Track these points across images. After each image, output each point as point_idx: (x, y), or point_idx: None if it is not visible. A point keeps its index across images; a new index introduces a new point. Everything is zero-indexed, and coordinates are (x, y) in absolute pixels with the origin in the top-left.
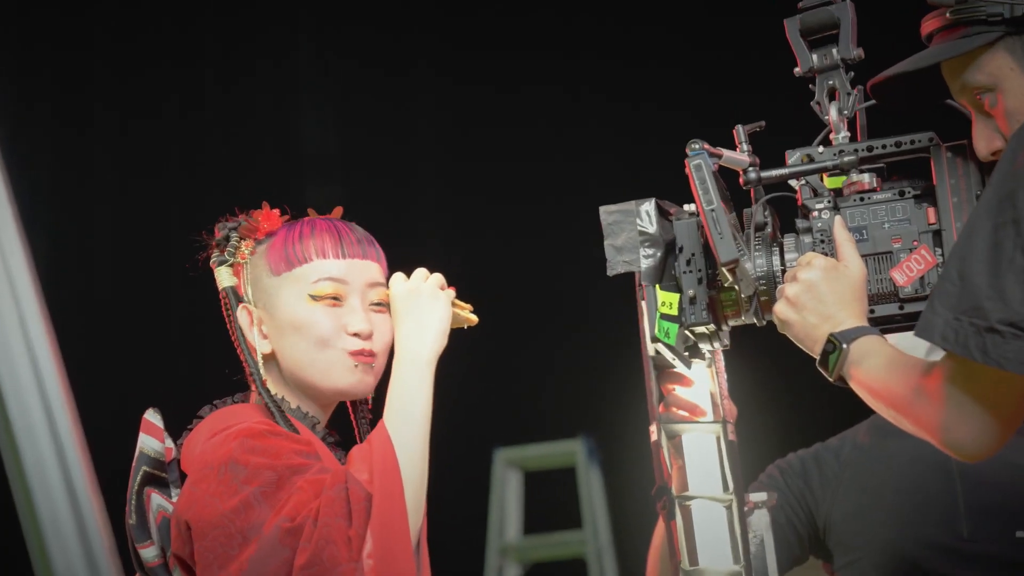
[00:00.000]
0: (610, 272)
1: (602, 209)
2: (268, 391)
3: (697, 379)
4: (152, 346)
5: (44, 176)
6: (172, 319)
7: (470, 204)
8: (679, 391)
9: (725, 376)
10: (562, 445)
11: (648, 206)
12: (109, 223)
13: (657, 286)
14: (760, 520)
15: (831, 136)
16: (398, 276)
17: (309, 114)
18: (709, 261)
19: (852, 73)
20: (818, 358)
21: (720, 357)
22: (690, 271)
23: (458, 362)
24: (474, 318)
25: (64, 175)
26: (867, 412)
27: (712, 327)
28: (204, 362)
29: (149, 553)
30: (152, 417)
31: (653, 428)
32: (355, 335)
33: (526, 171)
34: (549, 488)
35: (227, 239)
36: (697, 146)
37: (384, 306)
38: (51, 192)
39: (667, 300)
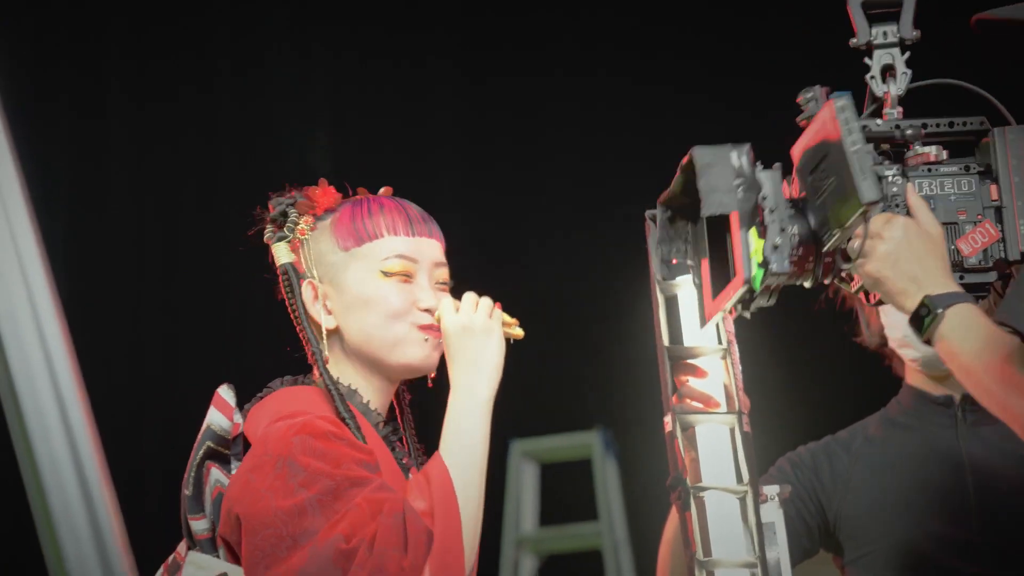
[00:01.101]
0: (704, 212)
1: (696, 149)
2: (329, 373)
3: (711, 370)
4: (168, 338)
5: (59, 169)
6: (189, 311)
7: (484, 197)
8: (693, 382)
9: (740, 367)
10: (578, 437)
11: (743, 150)
12: (124, 215)
13: (753, 230)
14: (772, 512)
15: (884, 111)
16: (447, 306)
17: (326, 99)
18: (789, 215)
19: (908, 53)
20: (909, 317)
21: (735, 349)
22: (774, 221)
23: None
24: (520, 332)
25: (80, 167)
26: (879, 404)
27: (784, 278)
28: (222, 353)
29: (200, 526)
30: (225, 394)
31: (668, 419)
32: (426, 311)
33: (537, 163)
34: (565, 480)
35: (285, 215)
36: (812, 94)
37: (446, 285)
38: (66, 184)
39: (756, 247)
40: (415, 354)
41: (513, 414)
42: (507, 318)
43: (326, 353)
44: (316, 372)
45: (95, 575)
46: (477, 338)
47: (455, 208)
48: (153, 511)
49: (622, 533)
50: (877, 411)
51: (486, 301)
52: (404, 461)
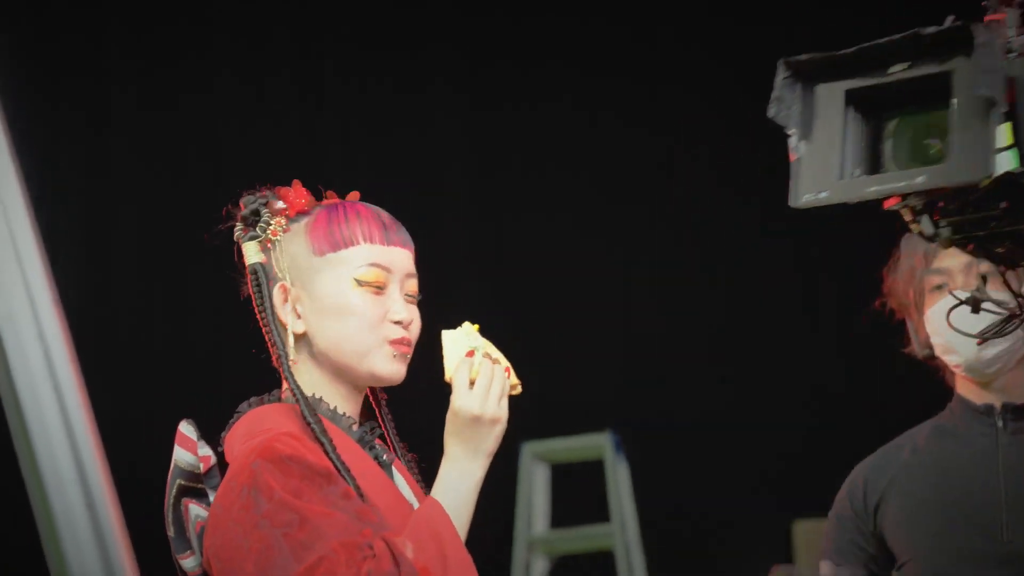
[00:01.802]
0: (978, 91)
1: (976, 25)
2: (293, 377)
3: None
4: (171, 339)
5: (61, 169)
6: (192, 312)
7: (496, 196)
8: None
9: None
10: (589, 438)
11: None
12: (126, 216)
13: (1008, 124)
14: None
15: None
16: (462, 381)
17: (329, 107)
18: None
19: None
20: None
21: None
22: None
23: None
24: (519, 390)
25: (82, 168)
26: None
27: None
28: (224, 364)
29: (190, 563)
30: (186, 429)
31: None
32: (398, 323)
33: (553, 162)
34: (576, 481)
35: (257, 214)
36: None
37: (415, 298)
38: (67, 185)
39: (1006, 141)
40: (383, 367)
41: (524, 416)
42: (514, 380)
43: (292, 357)
44: (283, 384)
45: None
46: (484, 427)
47: (467, 209)
48: (156, 514)
49: (634, 534)
50: (933, 416)
51: (499, 379)
52: (385, 458)
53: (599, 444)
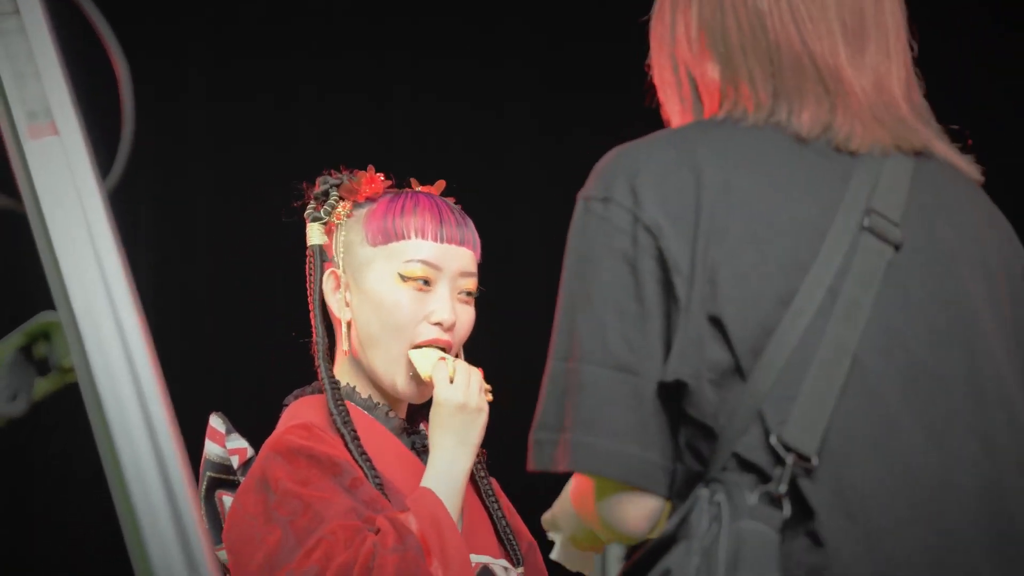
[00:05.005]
0: None
1: None
2: (327, 364)
3: None
4: (250, 337)
5: (137, 164)
6: (272, 313)
7: (569, 197)
8: None
9: None
10: None
11: None
12: (205, 208)
13: None
14: None
15: None
16: (442, 377)
17: (405, 97)
18: None
19: None
20: None
21: None
22: None
23: None
24: (490, 397)
25: (159, 161)
26: None
27: None
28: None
29: (224, 555)
30: (215, 422)
31: None
32: (437, 324)
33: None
34: None
35: (326, 195)
36: None
37: (472, 296)
38: (144, 178)
39: None
40: (404, 385)
41: None
42: (486, 386)
43: (344, 346)
44: (319, 373)
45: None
46: (470, 415)
47: (533, 214)
48: None
49: None
50: None
51: (478, 376)
52: (426, 444)
53: None
